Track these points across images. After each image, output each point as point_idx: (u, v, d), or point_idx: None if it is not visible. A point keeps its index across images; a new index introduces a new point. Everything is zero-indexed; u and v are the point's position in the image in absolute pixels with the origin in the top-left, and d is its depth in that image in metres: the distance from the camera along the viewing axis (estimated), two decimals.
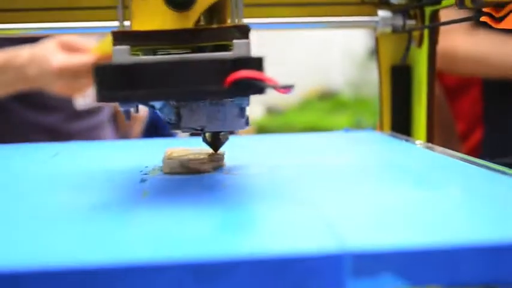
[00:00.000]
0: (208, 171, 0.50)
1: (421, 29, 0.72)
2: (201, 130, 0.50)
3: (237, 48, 0.40)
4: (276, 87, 0.37)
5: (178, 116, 0.50)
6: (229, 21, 0.45)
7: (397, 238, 0.31)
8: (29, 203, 0.41)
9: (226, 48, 0.42)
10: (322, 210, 0.36)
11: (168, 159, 0.50)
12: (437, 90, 1.12)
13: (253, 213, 0.37)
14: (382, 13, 0.74)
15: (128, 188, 0.45)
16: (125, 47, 0.40)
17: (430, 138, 0.73)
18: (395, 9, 0.74)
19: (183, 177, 0.48)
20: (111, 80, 0.37)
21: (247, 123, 0.51)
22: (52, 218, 0.36)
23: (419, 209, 0.37)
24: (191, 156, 0.51)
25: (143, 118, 1.21)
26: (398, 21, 0.74)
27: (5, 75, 1.00)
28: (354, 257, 0.29)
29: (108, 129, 1.19)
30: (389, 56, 0.79)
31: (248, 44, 0.41)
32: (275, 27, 0.77)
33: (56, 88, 1.02)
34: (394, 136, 0.73)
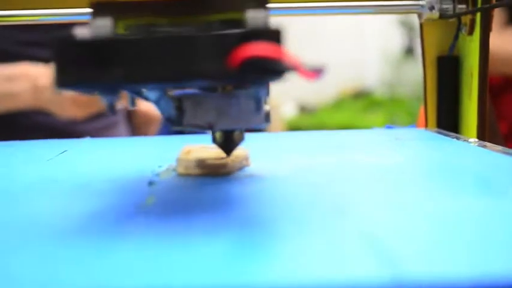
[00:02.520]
0: (229, 173, 0.43)
1: (473, 13, 0.64)
2: (209, 128, 0.40)
3: (252, 21, 0.31)
4: (301, 70, 0.29)
5: (180, 111, 0.39)
6: None
7: (470, 266, 0.23)
8: (7, 211, 0.35)
9: (239, 25, 0.32)
10: (366, 226, 0.29)
11: (183, 158, 0.43)
12: None
13: (277, 231, 0.29)
14: None
15: (131, 192, 0.38)
16: (106, 20, 0.31)
17: (482, 136, 0.65)
18: None
19: (198, 179, 0.41)
20: (76, 58, 0.29)
21: (267, 119, 0.40)
22: (23, 234, 0.29)
23: (492, 221, 0.30)
24: (210, 155, 0.43)
25: (159, 117, 1.14)
26: (447, 4, 0.66)
27: (17, 86, 0.98)
28: None
29: (123, 130, 1.14)
30: (435, 45, 0.71)
31: (266, 17, 0.31)
32: (309, 12, 0.70)
33: (69, 113, 0.99)
34: (441, 133, 0.65)
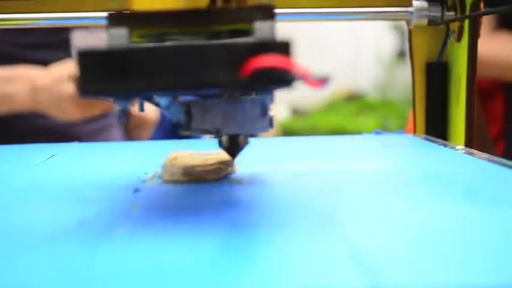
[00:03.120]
0: (216, 180, 0.43)
1: (461, 20, 0.64)
2: (216, 132, 0.41)
3: (260, 32, 0.33)
4: (308, 80, 0.30)
5: (189, 116, 0.41)
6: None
7: (455, 277, 0.23)
8: None
9: (247, 34, 0.34)
10: (350, 236, 0.29)
11: (168, 164, 0.43)
12: None
13: (262, 239, 0.29)
14: (417, 3, 0.67)
15: (116, 200, 0.38)
16: (122, 30, 0.33)
17: (470, 143, 0.65)
18: None
19: (184, 186, 0.41)
20: (99, 68, 0.30)
21: (271, 124, 0.42)
22: (5, 241, 0.29)
23: (478, 231, 0.30)
24: (197, 162, 0.44)
25: (153, 120, 1.14)
26: (436, 12, 0.66)
27: (14, 88, 0.97)
28: None
29: (118, 132, 1.13)
30: (424, 51, 0.71)
31: (273, 27, 0.33)
32: (300, 18, 0.70)
33: (68, 115, 0.98)
34: (429, 140, 0.65)
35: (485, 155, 0.54)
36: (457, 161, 0.52)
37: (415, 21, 0.67)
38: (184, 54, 0.30)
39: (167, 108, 0.41)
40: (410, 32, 0.71)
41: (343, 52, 3.76)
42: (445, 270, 0.24)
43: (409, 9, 0.67)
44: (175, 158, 0.45)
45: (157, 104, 0.41)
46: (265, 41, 0.31)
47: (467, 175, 0.45)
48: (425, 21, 0.67)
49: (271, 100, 0.38)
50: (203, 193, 0.39)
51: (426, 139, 0.66)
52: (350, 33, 3.46)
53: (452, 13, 0.66)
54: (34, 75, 0.98)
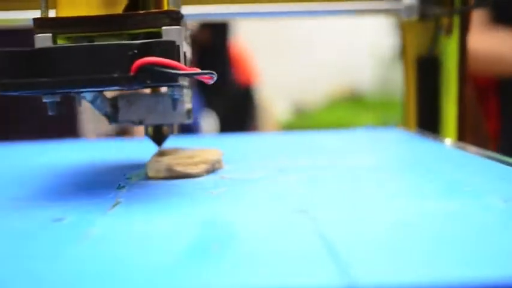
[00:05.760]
0: (200, 176, 0.43)
1: (450, 15, 0.64)
2: (140, 123, 0.47)
3: (167, 36, 0.37)
4: (191, 75, 0.35)
5: (115, 108, 0.46)
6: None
7: (426, 272, 0.23)
8: None
9: (159, 36, 0.37)
10: (326, 232, 0.29)
11: (155, 161, 0.43)
12: (467, 88, 1.07)
13: (238, 234, 0.29)
14: None
15: (100, 195, 0.38)
16: (46, 35, 0.37)
17: (462, 137, 0.65)
18: None
19: (168, 182, 0.41)
20: (11, 67, 0.33)
21: (188, 116, 0.47)
22: None
23: (454, 226, 0.29)
24: (182, 158, 0.44)
25: None
26: (425, 7, 0.66)
27: None
28: None
29: None
30: (415, 46, 0.71)
31: (180, 31, 0.37)
32: (291, 15, 0.70)
33: None
34: (420, 134, 0.65)
35: (474, 149, 0.54)
36: (444, 155, 0.52)
37: (405, 17, 0.67)
38: (85, 55, 0.33)
39: (93, 102, 0.44)
40: (401, 27, 0.71)
41: (341, 50, 3.76)
42: (413, 264, 0.24)
43: (399, 5, 0.67)
44: (161, 154, 0.45)
45: (83, 98, 0.44)
46: (151, 41, 0.34)
47: (453, 169, 0.45)
48: (415, 17, 0.67)
49: (179, 94, 0.40)
50: (186, 188, 0.39)
51: (417, 133, 0.66)
52: (348, 30, 3.46)
53: (441, 8, 0.66)
54: None
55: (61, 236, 0.29)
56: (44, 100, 0.37)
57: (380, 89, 3.94)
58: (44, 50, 0.34)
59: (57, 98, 0.37)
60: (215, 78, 0.36)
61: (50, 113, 0.37)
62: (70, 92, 0.40)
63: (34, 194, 0.40)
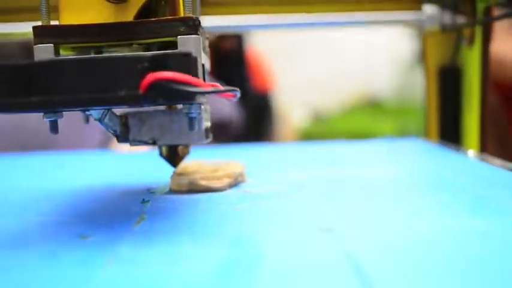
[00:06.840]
0: (223, 190, 0.43)
1: (473, 26, 0.64)
2: (153, 143, 0.43)
3: (183, 46, 0.32)
4: (211, 93, 0.30)
5: (126, 127, 0.42)
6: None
7: None
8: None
9: (175, 46, 0.33)
10: (354, 252, 0.28)
11: (178, 174, 0.43)
12: (491, 96, 1.05)
13: (265, 254, 0.29)
14: (429, 9, 0.67)
15: (124, 210, 0.38)
16: (48, 45, 0.33)
17: (484, 148, 0.65)
18: (443, 5, 0.66)
19: (192, 196, 0.41)
20: (1, 84, 0.29)
21: (207, 135, 0.43)
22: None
23: (482, 245, 0.29)
24: (204, 173, 0.43)
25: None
26: (447, 18, 0.66)
27: None
28: None
29: None
30: (436, 57, 0.71)
31: (197, 41, 0.33)
32: (309, 27, 0.70)
33: None
34: (442, 145, 0.65)
35: (499, 161, 0.53)
36: (467, 168, 0.51)
37: (427, 28, 0.67)
38: (86, 69, 0.29)
39: (100, 120, 0.39)
40: (423, 37, 0.71)
41: (360, 57, 3.75)
42: (441, 285, 0.24)
43: (421, 15, 0.67)
44: (184, 168, 0.45)
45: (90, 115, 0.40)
46: (163, 54, 0.29)
47: (477, 183, 0.44)
48: (437, 27, 0.67)
49: (198, 112, 0.35)
50: (209, 203, 0.39)
51: (439, 144, 0.66)
52: (367, 38, 3.45)
53: (463, 18, 0.65)
54: None
55: (89, 256, 0.29)
56: (45, 119, 0.33)
57: (399, 96, 3.92)
58: (38, 64, 0.30)
59: (60, 117, 0.33)
60: (238, 96, 0.33)
61: (51, 133, 0.34)
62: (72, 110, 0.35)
63: (59, 209, 0.40)
